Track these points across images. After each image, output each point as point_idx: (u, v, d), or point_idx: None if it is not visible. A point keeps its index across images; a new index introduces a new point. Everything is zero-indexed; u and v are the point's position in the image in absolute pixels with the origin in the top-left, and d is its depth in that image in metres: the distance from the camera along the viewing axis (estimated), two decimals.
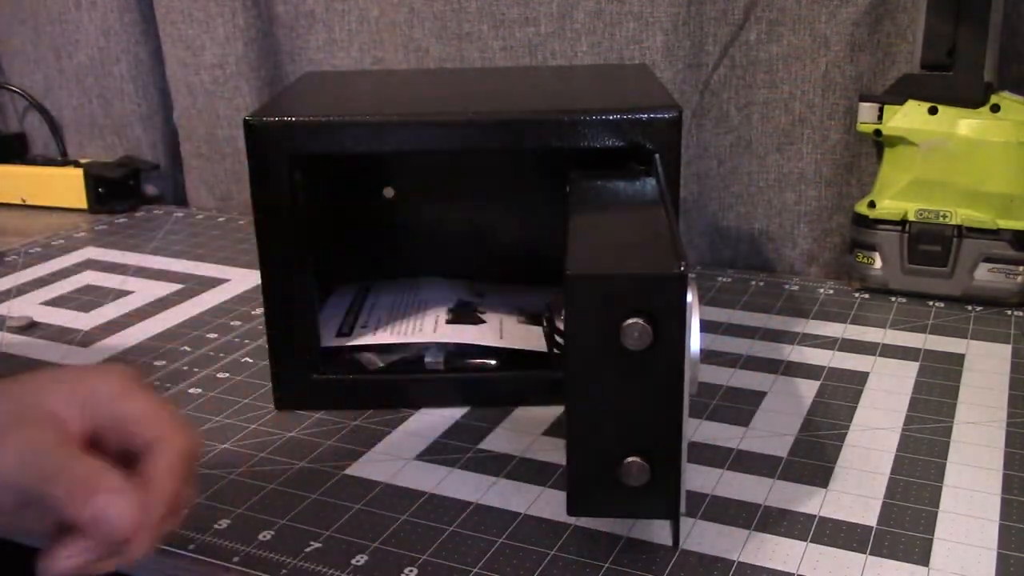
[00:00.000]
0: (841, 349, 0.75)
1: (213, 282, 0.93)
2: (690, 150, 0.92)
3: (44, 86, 1.23)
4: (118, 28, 1.14)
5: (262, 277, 0.65)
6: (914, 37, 0.82)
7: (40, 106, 1.23)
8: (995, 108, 0.79)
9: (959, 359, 0.73)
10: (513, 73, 0.84)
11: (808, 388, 0.69)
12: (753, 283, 0.90)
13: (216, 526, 0.55)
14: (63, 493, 0.41)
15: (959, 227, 0.81)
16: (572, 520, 0.54)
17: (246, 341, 0.79)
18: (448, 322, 0.70)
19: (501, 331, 0.69)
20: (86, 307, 0.87)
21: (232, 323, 0.83)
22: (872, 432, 0.63)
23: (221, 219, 1.12)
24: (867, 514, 0.55)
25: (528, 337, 0.69)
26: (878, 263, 0.84)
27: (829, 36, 0.86)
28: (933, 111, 0.80)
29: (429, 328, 0.69)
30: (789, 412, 0.66)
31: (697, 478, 0.58)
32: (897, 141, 0.82)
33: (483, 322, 0.71)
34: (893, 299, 0.84)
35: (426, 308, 0.72)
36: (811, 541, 0.52)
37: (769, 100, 0.90)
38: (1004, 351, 0.74)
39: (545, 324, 0.70)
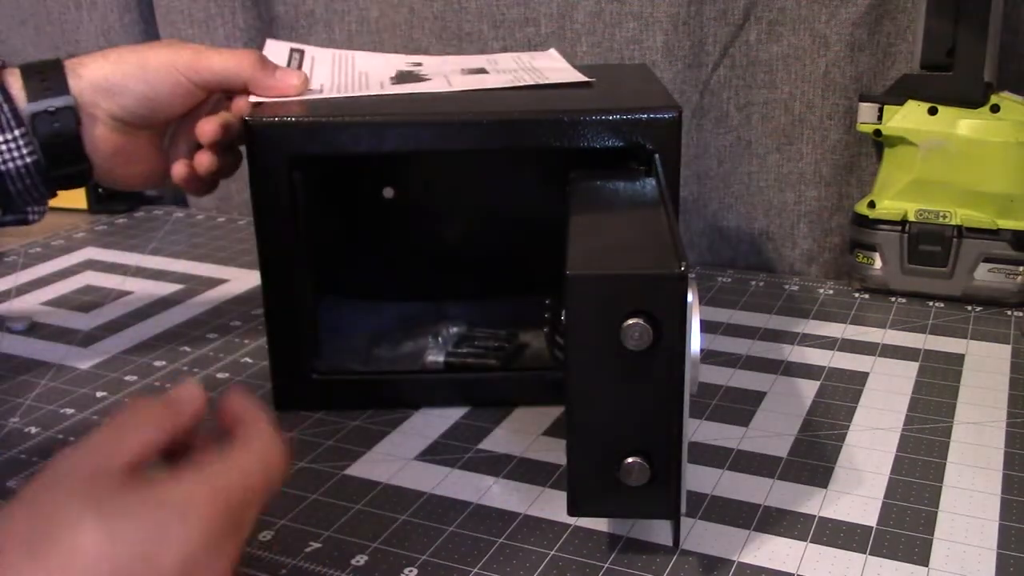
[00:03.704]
0: (841, 349, 0.75)
1: (213, 282, 0.93)
2: (690, 150, 0.92)
3: None
4: (118, 28, 1.14)
5: (262, 277, 0.65)
6: (914, 37, 0.82)
7: None
8: (995, 108, 0.79)
9: (959, 359, 0.73)
10: None
11: (808, 388, 0.69)
12: (753, 283, 0.90)
13: None
14: None
15: (959, 227, 0.81)
16: (572, 520, 0.54)
17: (246, 341, 0.79)
18: (393, 81, 0.70)
19: (448, 83, 0.70)
20: (86, 307, 0.87)
21: (232, 323, 0.83)
22: (872, 432, 0.63)
23: (221, 219, 1.12)
24: (867, 514, 0.55)
25: (478, 82, 0.70)
26: (878, 263, 0.84)
27: (829, 36, 0.86)
28: (933, 111, 0.80)
29: (376, 85, 0.69)
30: (789, 412, 0.66)
31: (697, 478, 0.58)
32: (897, 141, 0.82)
33: (429, 79, 0.71)
34: (893, 299, 0.84)
35: (368, 76, 0.72)
36: (811, 541, 0.53)
37: (769, 100, 0.90)
38: (1004, 351, 0.74)
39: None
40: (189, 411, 0.42)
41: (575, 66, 0.74)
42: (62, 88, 0.61)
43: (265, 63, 0.65)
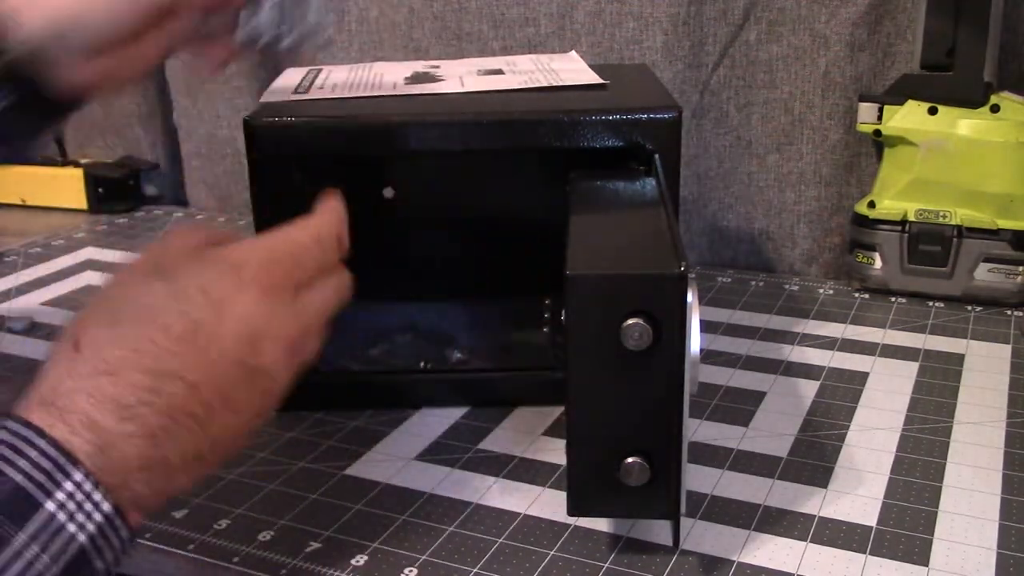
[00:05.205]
0: (841, 349, 0.75)
1: None
2: (690, 150, 0.92)
3: None
4: None
5: None
6: (914, 37, 0.82)
7: None
8: (995, 108, 0.79)
9: (959, 359, 0.73)
10: None
11: (808, 388, 0.69)
12: (753, 283, 0.90)
13: (216, 526, 0.55)
14: None
15: (959, 227, 0.81)
16: (572, 520, 0.54)
17: None
18: (407, 82, 0.71)
19: (462, 84, 0.70)
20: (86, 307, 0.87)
21: None
22: (872, 432, 0.63)
23: (221, 219, 1.12)
24: (867, 514, 0.55)
25: (492, 83, 0.70)
26: (878, 263, 0.84)
27: (829, 36, 0.86)
28: (933, 111, 0.80)
29: (389, 86, 0.69)
30: (789, 412, 0.66)
31: (697, 478, 0.58)
32: (897, 141, 0.82)
33: (443, 80, 0.71)
34: (893, 299, 0.84)
35: (383, 77, 0.73)
36: (811, 541, 0.53)
37: (769, 100, 0.90)
38: (1004, 351, 0.74)
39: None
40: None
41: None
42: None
43: None
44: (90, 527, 0.37)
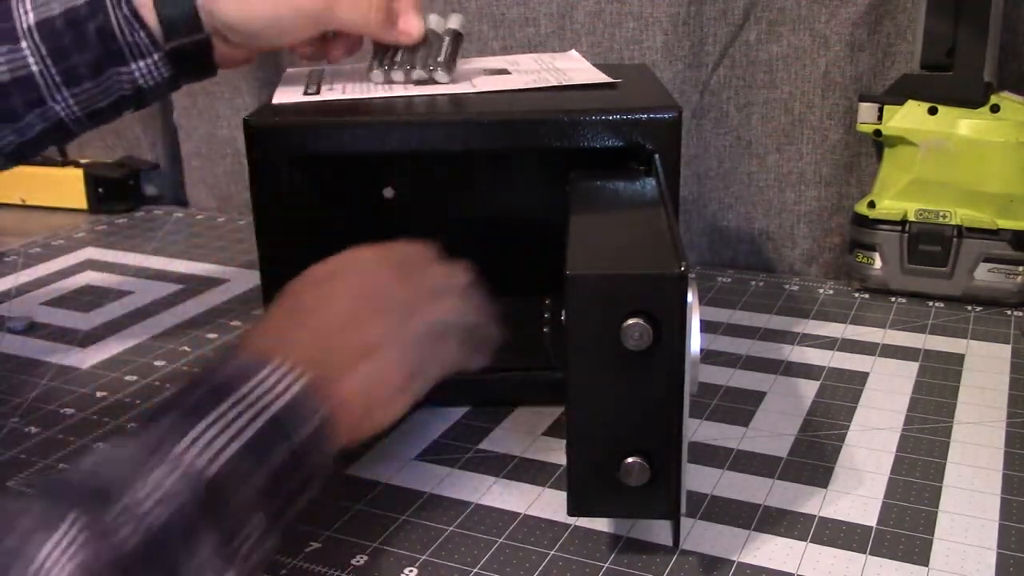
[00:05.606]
0: (841, 349, 0.75)
1: (213, 282, 0.93)
2: (690, 150, 0.92)
3: None
4: None
5: (262, 277, 0.65)
6: (914, 37, 0.82)
7: None
8: (995, 108, 0.79)
9: (959, 359, 0.73)
10: None
11: (808, 388, 0.69)
12: (753, 283, 0.90)
13: None
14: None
15: (959, 227, 0.81)
16: (572, 520, 0.54)
17: None
18: (415, 84, 0.71)
19: (472, 84, 0.70)
20: (86, 307, 0.87)
21: (232, 323, 0.83)
22: (872, 432, 0.63)
23: (221, 219, 1.13)
24: (867, 514, 0.55)
25: (501, 82, 0.70)
26: (878, 263, 0.84)
27: (829, 36, 0.86)
28: (933, 111, 0.80)
29: (399, 89, 0.69)
30: (789, 412, 0.66)
31: (697, 478, 0.58)
32: (897, 141, 0.82)
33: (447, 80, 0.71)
34: (893, 299, 0.84)
35: (391, 83, 0.73)
36: (811, 541, 0.53)
37: (769, 100, 0.90)
38: (1004, 351, 0.74)
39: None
40: None
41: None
42: (197, 27, 0.65)
43: (389, 16, 0.68)
44: (287, 397, 0.44)
